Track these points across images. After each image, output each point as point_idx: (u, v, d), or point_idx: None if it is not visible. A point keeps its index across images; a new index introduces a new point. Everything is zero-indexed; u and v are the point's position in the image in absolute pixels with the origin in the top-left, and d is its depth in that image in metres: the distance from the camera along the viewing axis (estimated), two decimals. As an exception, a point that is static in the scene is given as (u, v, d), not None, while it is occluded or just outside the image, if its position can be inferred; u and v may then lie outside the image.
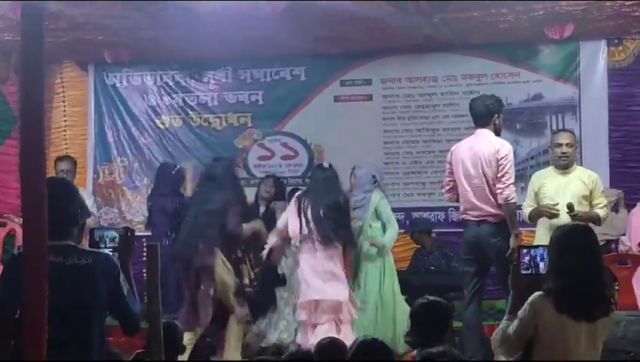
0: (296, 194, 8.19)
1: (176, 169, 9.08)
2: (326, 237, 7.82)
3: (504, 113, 8.12)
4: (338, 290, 7.84)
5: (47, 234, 2.72)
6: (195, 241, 7.70)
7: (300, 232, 7.88)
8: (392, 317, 8.31)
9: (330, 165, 8.28)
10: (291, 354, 5.18)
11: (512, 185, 7.25)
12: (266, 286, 8.49)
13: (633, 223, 8.47)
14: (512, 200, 7.23)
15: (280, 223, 8.17)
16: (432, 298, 5.30)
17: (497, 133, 7.50)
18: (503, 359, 4.52)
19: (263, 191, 9.34)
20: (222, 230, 7.70)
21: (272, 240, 8.14)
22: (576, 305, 4.20)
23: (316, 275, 7.83)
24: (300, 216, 7.92)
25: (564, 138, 7.79)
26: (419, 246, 9.63)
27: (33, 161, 2.72)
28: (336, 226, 7.89)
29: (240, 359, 7.65)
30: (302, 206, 7.93)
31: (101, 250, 4.24)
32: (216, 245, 7.70)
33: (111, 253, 4.23)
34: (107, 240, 4.33)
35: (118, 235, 4.32)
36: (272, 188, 9.27)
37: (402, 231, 9.91)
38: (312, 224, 7.83)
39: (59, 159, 9.58)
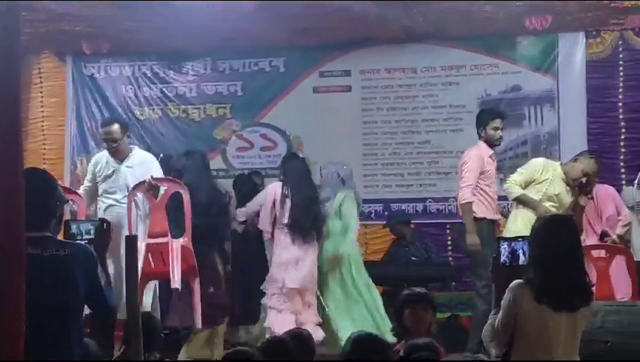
0: (273, 183, 8.20)
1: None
2: (305, 230, 7.88)
3: (485, 104, 9.32)
4: (310, 276, 7.93)
5: (24, 226, 2.70)
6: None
7: (277, 222, 7.94)
8: (368, 307, 8.29)
9: (302, 157, 8.33)
10: (267, 341, 5.16)
11: (465, 188, 7.80)
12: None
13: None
14: (463, 201, 7.82)
15: (250, 207, 8.23)
16: (413, 290, 5.39)
17: (490, 141, 7.99)
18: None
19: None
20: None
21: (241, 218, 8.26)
22: (556, 296, 4.22)
23: (293, 264, 7.87)
24: (276, 205, 7.95)
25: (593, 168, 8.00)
26: (398, 237, 9.62)
27: (10, 152, 2.70)
28: (315, 219, 7.96)
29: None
30: (281, 195, 7.96)
31: (77, 242, 4.22)
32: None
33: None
34: (83, 231, 4.31)
35: (93, 227, 4.31)
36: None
37: (383, 222, 9.97)
38: (290, 214, 7.87)
39: (107, 123, 8.10)
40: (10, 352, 2.62)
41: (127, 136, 8.02)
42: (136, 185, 7.52)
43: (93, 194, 8.01)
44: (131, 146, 8.11)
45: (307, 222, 7.91)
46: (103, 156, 8.05)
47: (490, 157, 8.14)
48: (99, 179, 7.95)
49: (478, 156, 7.88)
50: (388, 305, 8.85)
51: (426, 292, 5.59)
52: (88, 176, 8.13)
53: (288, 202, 7.93)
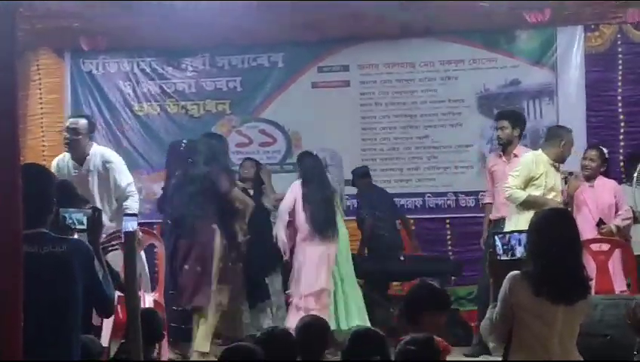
0: (295, 183, 8.22)
1: (184, 144, 8.89)
2: (324, 230, 8.00)
3: (483, 99, 9.71)
4: (328, 276, 8.01)
5: (22, 223, 2.68)
6: (190, 216, 7.68)
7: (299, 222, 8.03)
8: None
9: (316, 154, 8.33)
10: (267, 332, 5.09)
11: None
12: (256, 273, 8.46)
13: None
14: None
15: (284, 210, 8.23)
16: (427, 283, 5.41)
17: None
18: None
19: (242, 172, 9.18)
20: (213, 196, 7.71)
21: (281, 231, 8.20)
22: (554, 289, 4.21)
23: (318, 265, 7.92)
24: (297, 205, 8.02)
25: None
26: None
27: (8, 149, 2.69)
28: (332, 219, 8.07)
29: (208, 348, 7.60)
30: (302, 195, 8.03)
31: (70, 233, 4.22)
32: (212, 218, 7.71)
33: (80, 235, 4.22)
34: (76, 222, 4.30)
35: (86, 217, 4.30)
36: (250, 168, 9.12)
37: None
38: (309, 214, 7.93)
39: (75, 116, 8.13)
40: (9, 352, 2.61)
41: (90, 137, 7.66)
42: (111, 235, 6.67)
43: None
44: (91, 143, 7.72)
45: (325, 222, 7.97)
46: (63, 160, 7.69)
47: (500, 156, 8.18)
48: None
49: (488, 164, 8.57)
50: (378, 299, 8.92)
51: (446, 295, 5.57)
52: None
53: (306, 203, 8.02)
